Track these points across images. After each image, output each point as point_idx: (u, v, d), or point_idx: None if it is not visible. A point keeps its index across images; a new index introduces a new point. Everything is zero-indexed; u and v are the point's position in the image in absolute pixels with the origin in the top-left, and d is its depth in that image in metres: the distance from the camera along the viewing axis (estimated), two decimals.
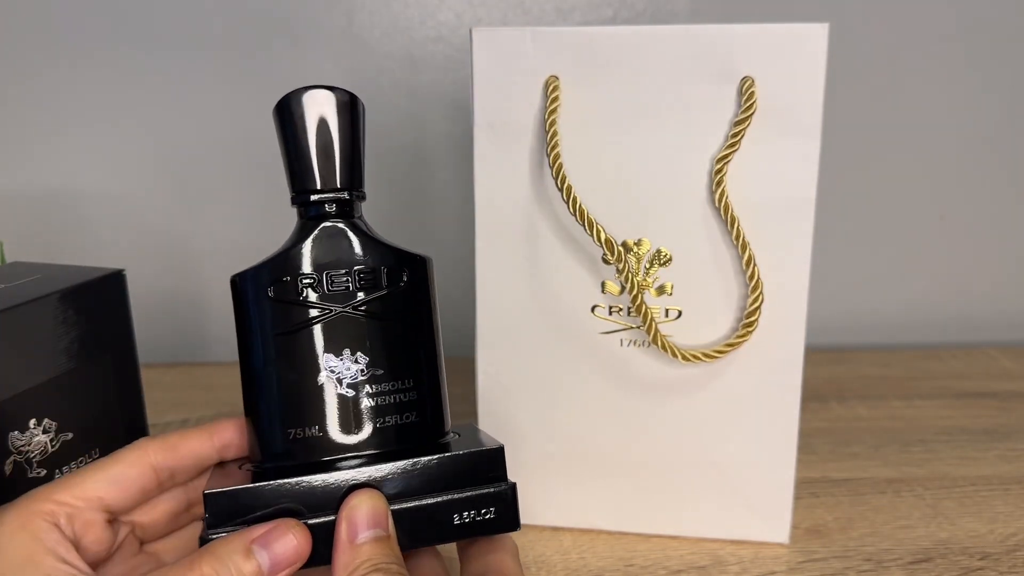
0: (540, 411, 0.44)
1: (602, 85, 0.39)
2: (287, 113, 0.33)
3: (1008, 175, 0.72)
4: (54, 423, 0.38)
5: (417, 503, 0.31)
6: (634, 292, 0.39)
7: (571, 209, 0.38)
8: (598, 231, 0.38)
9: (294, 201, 0.34)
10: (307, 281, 0.32)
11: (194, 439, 0.34)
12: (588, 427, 0.43)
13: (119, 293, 0.42)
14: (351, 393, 0.32)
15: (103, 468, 0.32)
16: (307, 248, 0.33)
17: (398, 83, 0.67)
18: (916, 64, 0.69)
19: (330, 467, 0.31)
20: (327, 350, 0.32)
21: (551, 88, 0.39)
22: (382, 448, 0.32)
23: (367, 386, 0.33)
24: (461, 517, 0.31)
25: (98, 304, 0.41)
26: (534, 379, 0.43)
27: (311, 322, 0.32)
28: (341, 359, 0.32)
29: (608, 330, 0.42)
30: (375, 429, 0.32)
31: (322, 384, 0.32)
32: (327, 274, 0.33)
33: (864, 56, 0.68)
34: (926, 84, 0.69)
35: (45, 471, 0.37)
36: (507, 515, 0.32)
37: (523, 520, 0.45)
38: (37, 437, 0.37)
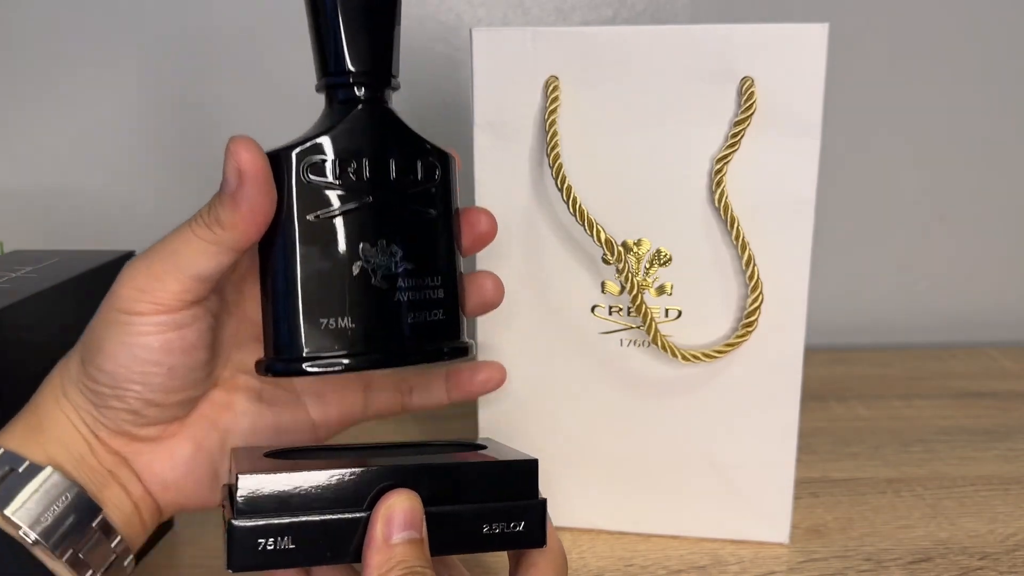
0: (540, 411, 0.44)
1: (602, 85, 0.39)
2: None
3: (1008, 175, 0.72)
4: None
5: (450, 508, 0.30)
6: (634, 292, 0.39)
7: (571, 209, 0.38)
8: (598, 231, 0.38)
9: (327, 84, 0.33)
10: (343, 165, 0.31)
11: None
12: (588, 427, 0.43)
13: None
14: (385, 285, 0.32)
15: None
16: (346, 130, 0.31)
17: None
18: (916, 64, 0.69)
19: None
20: (363, 238, 0.31)
21: (551, 88, 0.39)
22: (411, 343, 0.32)
23: (400, 280, 0.32)
24: (491, 527, 0.30)
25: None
26: (534, 379, 0.43)
27: (348, 208, 0.31)
28: (376, 249, 0.31)
29: (608, 330, 0.42)
30: (406, 324, 0.32)
31: (358, 274, 0.31)
32: (366, 160, 0.31)
33: (864, 56, 0.68)
34: (926, 84, 0.69)
35: None
36: (536, 530, 0.31)
37: None
38: None
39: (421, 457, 0.32)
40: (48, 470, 0.31)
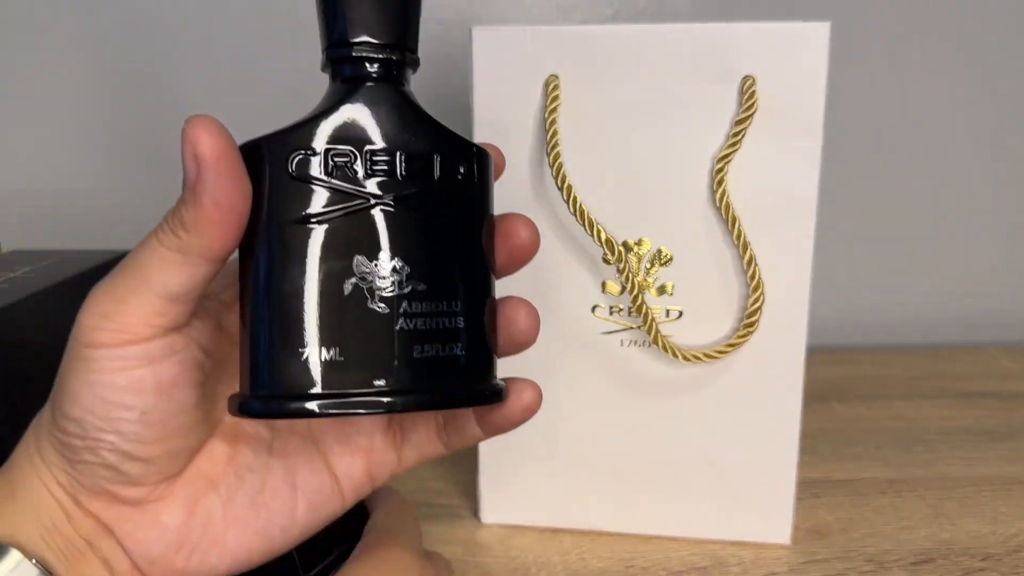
0: (540, 411, 0.43)
1: (603, 84, 0.39)
2: None
3: (1009, 175, 0.72)
4: None
5: None
6: (634, 292, 0.39)
7: (571, 209, 0.38)
8: (598, 231, 0.38)
9: (328, 60, 0.27)
10: (340, 158, 0.25)
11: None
12: (589, 427, 0.43)
13: None
14: (384, 309, 0.25)
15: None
16: (343, 115, 0.26)
17: None
18: (918, 63, 0.69)
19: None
20: (359, 250, 0.25)
21: (551, 87, 0.39)
22: (416, 383, 0.26)
23: (405, 303, 0.26)
24: None
25: None
26: (534, 379, 0.43)
27: (341, 210, 0.25)
28: (376, 264, 0.25)
29: (608, 330, 0.42)
30: (411, 359, 0.25)
31: (349, 293, 0.25)
32: (366, 151, 0.26)
33: (865, 55, 0.68)
34: (927, 83, 0.69)
35: None
36: None
37: (523, 521, 0.45)
38: None
39: None
40: (13, 555, 0.26)
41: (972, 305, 0.75)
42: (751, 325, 0.39)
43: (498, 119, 0.40)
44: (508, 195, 0.41)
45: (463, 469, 0.49)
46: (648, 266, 0.41)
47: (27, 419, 0.36)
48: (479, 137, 0.40)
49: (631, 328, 0.41)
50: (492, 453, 0.44)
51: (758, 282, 0.39)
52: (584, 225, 0.38)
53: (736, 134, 0.38)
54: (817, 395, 0.61)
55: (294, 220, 0.25)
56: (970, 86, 0.69)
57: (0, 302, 0.35)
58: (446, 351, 0.26)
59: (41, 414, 0.28)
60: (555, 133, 0.39)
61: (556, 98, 0.39)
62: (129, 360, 0.25)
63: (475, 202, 0.27)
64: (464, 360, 0.27)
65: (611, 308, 0.42)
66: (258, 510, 0.30)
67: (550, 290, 0.42)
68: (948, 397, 0.62)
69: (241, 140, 0.26)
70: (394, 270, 0.26)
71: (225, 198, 0.24)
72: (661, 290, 0.41)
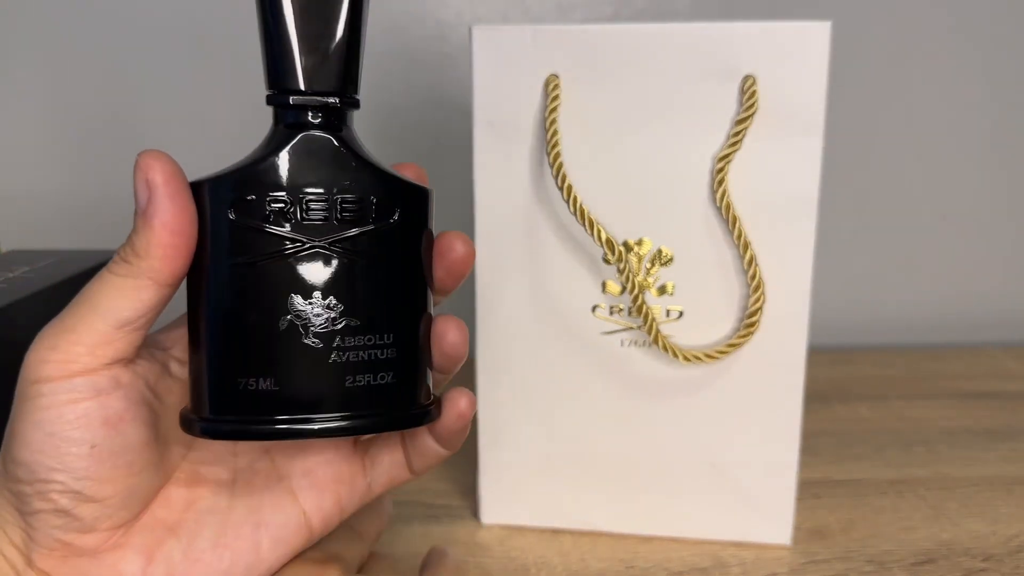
0: (540, 412, 0.43)
1: (603, 83, 0.39)
2: None
3: (1010, 174, 0.72)
4: None
5: None
6: (635, 292, 0.39)
7: (571, 208, 0.38)
8: (598, 231, 0.38)
9: (269, 101, 0.28)
10: (277, 204, 0.27)
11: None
12: (589, 428, 0.43)
13: None
14: (318, 344, 0.27)
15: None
16: (281, 162, 0.27)
17: (397, 82, 0.67)
18: (918, 63, 0.69)
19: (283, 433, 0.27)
20: (294, 290, 0.27)
21: (551, 87, 0.39)
22: (347, 410, 0.27)
23: (338, 338, 0.27)
24: None
25: None
26: (534, 379, 0.43)
27: (278, 254, 0.27)
28: (311, 303, 0.27)
29: (609, 330, 0.42)
30: (342, 388, 0.27)
31: (284, 329, 0.27)
32: (303, 197, 0.27)
33: (866, 54, 0.68)
34: (928, 83, 0.69)
35: None
36: None
37: (523, 521, 0.45)
38: None
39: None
40: None
41: (972, 305, 0.75)
42: (752, 325, 0.39)
43: (498, 119, 0.40)
44: (508, 194, 0.41)
45: (463, 469, 0.49)
46: (648, 266, 0.40)
47: None
48: (479, 137, 0.40)
49: (631, 328, 0.41)
50: (492, 453, 0.44)
51: (759, 282, 0.39)
52: (584, 225, 0.38)
53: (736, 134, 0.38)
54: (818, 395, 0.61)
55: (234, 260, 0.27)
56: (970, 86, 0.69)
57: (0, 302, 0.35)
58: (378, 379, 0.28)
59: None
60: (555, 133, 0.39)
61: (556, 98, 0.39)
62: (76, 392, 0.26)
63: (410, 239, 0.29)
64: (395, 387, 0.28)
65: (611, 308, 0.41)
66: (220, 552, 0.30)
67: (550, 290, 0.42)
68: (949, 397, 0.62)
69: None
70: (328, 307, 0.27)
71: (174, 220, 0.26)
72: (661, 290, 0.41)
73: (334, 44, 0.28)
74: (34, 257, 0.43)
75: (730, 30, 0.37)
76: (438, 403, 0.31)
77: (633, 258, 0.40)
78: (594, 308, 0.42)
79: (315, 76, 0.27)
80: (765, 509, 0.43)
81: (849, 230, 0.72)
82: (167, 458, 0.30)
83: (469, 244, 0.30)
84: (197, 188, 0.27)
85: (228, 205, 0.27)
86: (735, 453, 0.42)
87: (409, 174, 0.31)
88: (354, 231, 0.28)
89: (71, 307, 0.27)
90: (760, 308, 0.39)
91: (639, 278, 0.40)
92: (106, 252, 0.43)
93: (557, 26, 0.39)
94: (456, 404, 0.31)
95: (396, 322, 0.28)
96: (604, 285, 0.41)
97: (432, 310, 0.30)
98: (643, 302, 0.39)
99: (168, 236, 0.26)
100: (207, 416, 0.27)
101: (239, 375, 0.27)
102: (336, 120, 0.28)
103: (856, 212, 0.71)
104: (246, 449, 0.31)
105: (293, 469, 0.32)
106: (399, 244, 0.29)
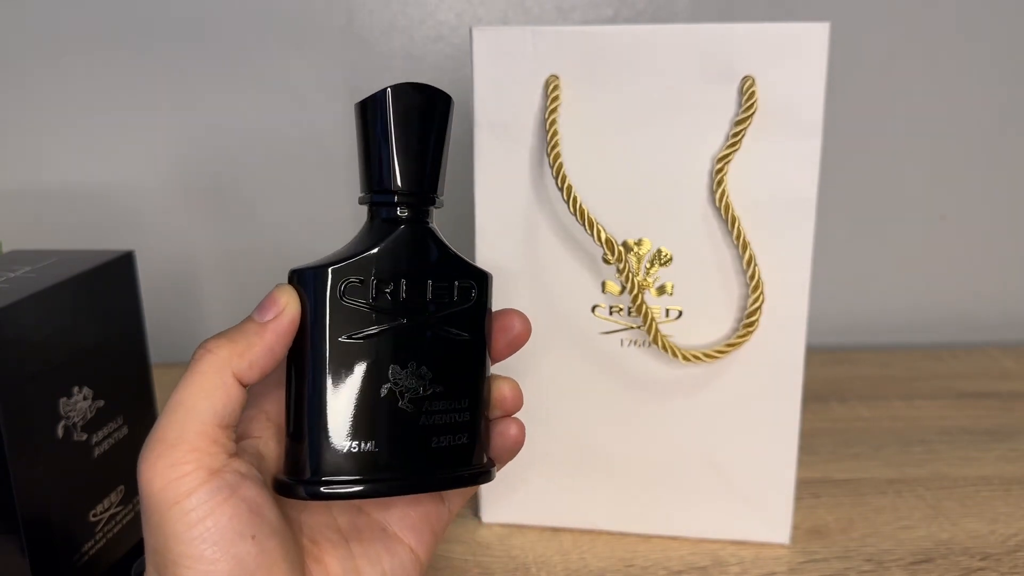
0: (541, 411, 0.44)
1: (603, 84, 0.39)
2: (373, 109, 0.32)
3: (1008, 175, 0.72)
4: (91, 391, 0.40)
5: None
6: (634, 292, 0.39)
7: (571, 209, 0.38)
8: (598, 231, 0.38)
9: (368, 200, 0.32)
10: (382, 287, 0.31)
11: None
12: (589, 427, 0.43)
13: (129, 274, 0.44)
14: (411, 408, 0.31)
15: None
16: (385, 251, 0.31)
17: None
18: (917, 64, 0.69)
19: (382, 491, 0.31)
20: (394, 360, 0.31)
21: (551, 87, 0.39)
22: (433, 467, 0.31)
23: (427, 403, 0.31)
24: None
25: (111, 285, 0.43)
26: (535, 379, 0.43)
27: (381, 330, 0.31)
28: (406, 372, 0.31)
29: (608, 330, 0.42)
30: (429, 449, 0.31)
31: (385, 396, 0.31)
32: (403, 282, 0.31)
33: (865, 56, 0.68)
34: (927, 83, 0.69)
35: (87, 435, 0.40)
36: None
37: (523, 520, 0.45)
38: (80, 403, 0.40)
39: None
40: None
41: (972, 305, 0.75)
42: (751, 325, 0.39)
43: (498, 119, 0.40)
44: (508, 194, 0.41)
45: None
46: (648, 266, 0.41)
47: (27, 419, 0.36)
48: (479, 137, 0.40)
49: (631, 328, 0.41)
50: None
51: (758, 282, 0.39)
52: (584, 225, 0.38)
53: (736, 134, 0.38)
54: (816, 395, 0.61)
55: (341, 338, 0.30)
56: (970, 86, 0.69)
57: (0, 302, 0.35)
58: (456, 440, 0.32)
59: None
60: (555, 133, 0.39)
61: (556, 98, 0.39)
62: (214, 493, 0.28)
63: (481, 315, 0.33)
64: (468, 447, 0.32)
65: (611, 308, 0.42)
66: None
67: (550, 290, 0.42)
68: (948, 397, 0.62)
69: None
70: (420, 376, 0.31)
71: (282, 349, 0.30)
72: (661, 290, 0.41)
73: (427, 151, 0.32)
74: (35, 257, 0.43)
75: (729, 31, 0.37)
76: (490, 460, 0.34)
77: (633, 258, 0.40)
78: (594, 308, 0.42)
79: (411, 179, 0.32)
80: (764, 508, 0.43)
81: (848, 230, 0.72)
82: (300, 536, 0.32)
83: (527, 321, 0.34)
84: (304, 276, 0.31)
85: (339, 290, 0.30)
86: (734, 452, 0.42)
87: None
88: (445, 311, 0.32)
89: (163, 418, 0.28)
90: (759, 308, 0.39)
91: (639, 278, 0.41)
92: (107, 252, 0.43)
93: (557, 27, 0.39)
94: (507, 433, 0.34)
95: (471, 388, 0.33)
96: (604, 285, 0.41)
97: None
98: (643, 302, 0.39)
99: (271, 358, 0.29)
100: (310, 479, 0.30)
101: (347, 438, 0.30)
102: (424, 215, 0.32)
103: (854, 212, 0.72)
104: (342, 509, 0.34)
105: (390, 518, 0.35)
106: (476, 320, 0.33)
